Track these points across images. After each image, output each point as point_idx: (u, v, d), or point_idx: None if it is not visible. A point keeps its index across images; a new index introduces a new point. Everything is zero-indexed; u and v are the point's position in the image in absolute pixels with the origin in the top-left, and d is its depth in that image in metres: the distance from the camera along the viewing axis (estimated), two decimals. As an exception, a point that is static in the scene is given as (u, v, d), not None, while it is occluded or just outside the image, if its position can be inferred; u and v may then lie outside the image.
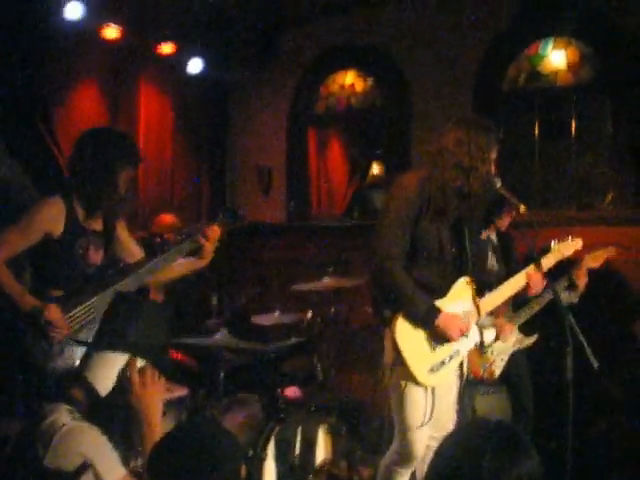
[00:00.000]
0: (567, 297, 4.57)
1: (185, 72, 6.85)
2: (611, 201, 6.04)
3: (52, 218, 3.51)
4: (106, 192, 3.58)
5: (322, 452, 4.48)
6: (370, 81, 7.23)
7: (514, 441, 1.75)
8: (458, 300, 3.61)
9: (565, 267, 4.04)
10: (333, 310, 5.33)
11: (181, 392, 4.37)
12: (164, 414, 2.96)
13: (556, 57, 6.20)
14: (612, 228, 5.64)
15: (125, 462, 2.41)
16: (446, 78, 6.58)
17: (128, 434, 2.46)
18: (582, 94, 6.21)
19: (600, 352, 3.65)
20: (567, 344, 3.39)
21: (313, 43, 7.31)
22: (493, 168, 3.56)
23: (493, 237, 4.94)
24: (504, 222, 4.87)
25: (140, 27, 6.17)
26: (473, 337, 3.67)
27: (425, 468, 3.38)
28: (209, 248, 3.71)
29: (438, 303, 3.53)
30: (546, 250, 3.88)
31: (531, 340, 4.77)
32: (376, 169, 8.31)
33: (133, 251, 3.88)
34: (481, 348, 3.76)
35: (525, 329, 4.76)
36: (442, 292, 3.59)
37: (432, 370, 3.53)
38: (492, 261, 4.82)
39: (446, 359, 3.58)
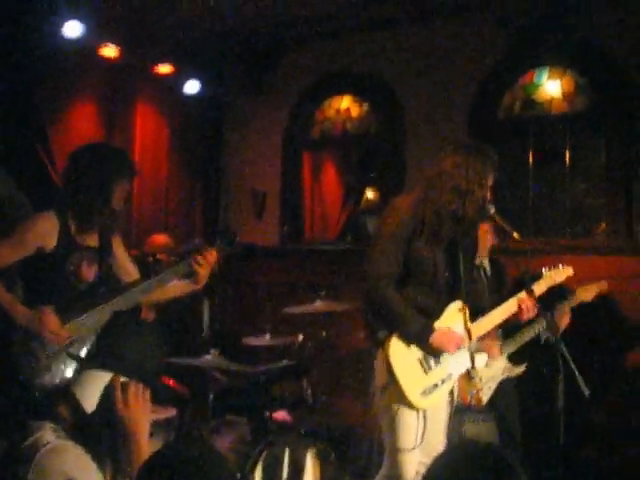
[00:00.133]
0: (547, 336, 4.57)
1: (182, 93, 6.88)
2: (604, 231, 6.05)
3: (45, 232, 3.48)
4: (100, 206, 3.55)
5: (310, 477, 4.44)
6: (366, 106, 7.26)
7: (503, 465, 1.74)
8: (450, 324, 3.60)
9: (549, 303, 4.03)
10: (324, 334, 5.31)
11: (169, 413, 4.34)
12: (152, 434, 2.93)
13: (551, 86, 6.23)
14: (604, 257, 5.65)
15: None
16: (441, 105, 6.61)
17: (115, 454, 2.43)
18: (576, 123, 6.23)
19: (592, 380, 3.63)
20: (558, 372, 3.38)
21: (309, 68, 7.35)
22: (489, 194, 3.58)
23: (485, 263, 4.94)
24: (484, 227, 4.77)
25: (138, 47, 6.21)
26: (464, 362, 3.66)
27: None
28: (204, 272, 3.69)
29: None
30: (538, 277, 3.88)
31: (520, 369, 4.75)
32: (370, 194, 8.32)
33: (128, 268, 3.83)
34: (472, 372, 3.73)
35: (516, 356, 4.75)
36: (435, 315, 3.58)
37: (424, 393, 3.52)
38: (484, 287, 4.82)
39: (438, 382, 3.57)
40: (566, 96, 6.17)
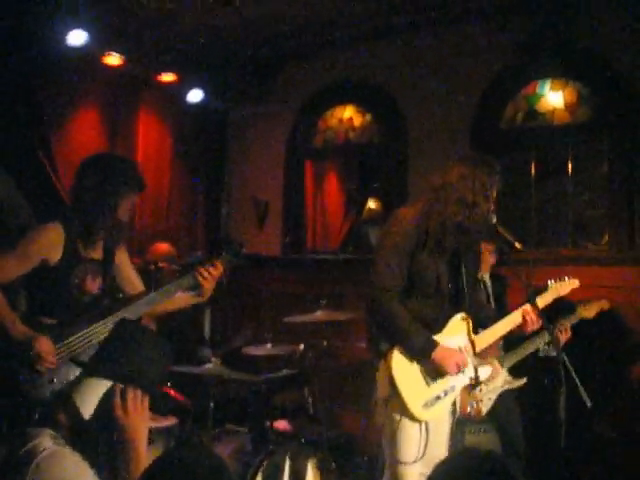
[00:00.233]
0: (546, 350, 4.57)
1: (185, 102, 6.89)
2: (606, 242, 6.04)
3: (50, 245, 3.43)
4: (107, 219, 3.51)
5: (311, 487, 4.42)
6: (368, 116, 7.27)
7: (503, 472, 1.73)
8: (454, 335, 3.60)
9: (550, 319, 4.02)
10: (325, 343, 5.30)
11: (169, 422, 4.33)
12: (151, 442, 2.92)
13: (553, 97, 6.23)
14: (606, 268, 5.64)
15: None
16: (444, 115, 6.61)
17: (113, 461, 2.42)
18: (579, 134, 6.22)
19: (594, 392, 3.62)
20: (560, 383, 3.37)
21: (312, 77, 7.36)
22: (493, 206, 3.58)
23: (486, 277, 4.96)
24: (488, 248, 4.83)
25: (142, 56, 6.22)
26: (468, 373, 3.65)
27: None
28: (210, 285, 3.67)
29: (434, 338, 3.52)
30: (543, 289, 3.87)
31: (520, 382, 4.74)
32: (372, 204, 8.32)
33: (132, 280, 3.80)
34: (476, 384, 3.72)
35: (518, 367, 4.74)
36: (438, 327, 3.58)
37: (426, 405, 3.50)
38: (487, 299, 4.82)
39: (441, 394, 3.56)
40: (568, 107, 6.17)
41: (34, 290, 3.49)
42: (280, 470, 4.29)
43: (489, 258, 4.86)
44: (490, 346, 3.87)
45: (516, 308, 3.75)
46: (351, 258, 7.15)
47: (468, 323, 3.64)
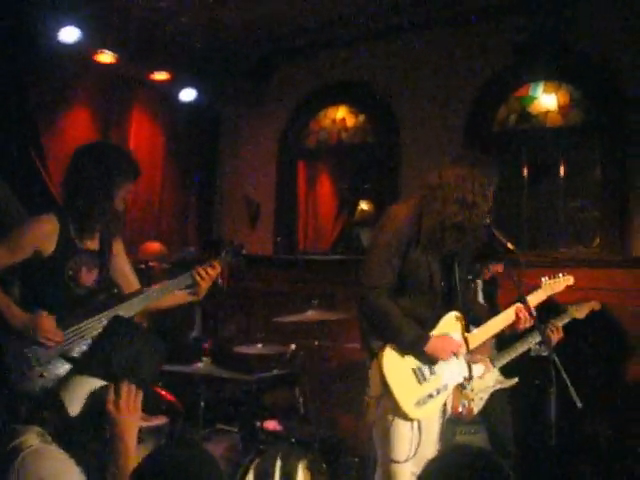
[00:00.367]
0: (537, 350, 4.58)
1: (178, 101, 6.87)
2: (598, 245, 6.05)
3: (44, 236, 3.38)
4: (103, 208, 3.45)
5: (301, 488, 4.41)
6: (361, 117, 7.27)
7: (496, 469, 1.73)
8: (446, 333, 3.59)
9: (541, 319, 4.03)
10: (317, 343, 5.28)
11: (159, 421, 4.31)
12: (141, 441, 2.90)
13: (546, 99, 6.24)
14: (598, 270, 5.65)
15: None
16: (437, 117, 6.62)
17: (101, 458, 2.40)
18: (571, 137, 6.24)
19: (588, 393, 3.62)
20: (551, 383, 3.37)
21: (306, 77, 7.36)
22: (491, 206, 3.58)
23: (479, 280, 4.97)
24: (497, 268, 4.91)
25: (135, 54, 6.19)
26: (460, 372, 3.64)
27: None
28: (206, 285, 3.65)
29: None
30: (536, 287, 3.87)
31: (512, 382, 4.74)
32: (364, 206, 8.31)
33: (127, 273, 3.75)
34: (467, 383, 3.72)
35: (509, 367, 4.74)
36: (430, 325, 3.57)
37: (418, 403, 3.49)
38: (479, 297, 4.82)
39: (433, 393, 3.55)
40: (561, 109, 6.18)
41: (28, 281, 3.43)
42: (271, 471, 4.28)
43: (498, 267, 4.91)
44: (482, 345, 3.87)
45: (507, 307, 3.75)
46: (343, 259, 7.14)
47: (461, 321, 3.63)
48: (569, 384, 3.47)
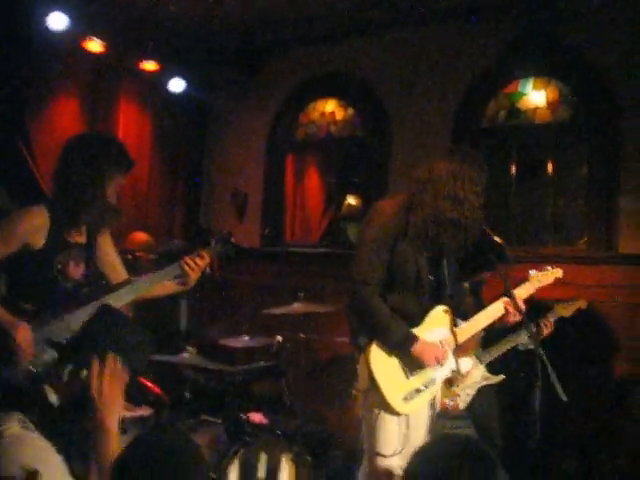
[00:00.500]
0: (526, 343, 4.59)
1: (166, 91, 6.83)
2: (585, 242, 6.07)
3: (34, 229, 3.28)
4: (94, 201, 3.37)
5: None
6: (350, 110, 7.26)
7: (486, 457, 1.72)
8: (435, 328, 3.58)
9: (535, 314, 4.03)
10: (303, 336, 5.27)
11: (143, 412, 4.29)
12: (125, 432, 2.88)
13: (536, 96, 6.25)
14: (585, 267, 5.66)
15: (82, 477, 2.34)
16: (426, 111, 6.61)
17: (84, 445, 2.38)
18: (560, 133, 6.26)
19: (573, 389, 3.62)
20: (536, 377, 3.37)
21: (295, 70, 7.34)
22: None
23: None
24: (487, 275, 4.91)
25: (123, 42, 6.15)
26: (449, 365, 3.63)
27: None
28: (195, 275, 3.61)
29: (415, 330, 3.51)
30: (524, 280, 3.87)
31: (498, 379, 4.74)
32: (352, 201, 8.31)
33: (116, 265, 3.67)
34: (455, 377, 3.72)
35: (495, 361, 4.74)
36: (418, 319, 3.56)
37: (406, 398, 3.49)
38: (467, 292, 4.82)
39: (421, 387, 3.54)
40: (550, 106, 6.19)
41: (15, 274, 3.33)
42: (255, 463, 4.27)
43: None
44: (469, 342, 3.87)
45: (493, 302, 3.74)
46: (329, 252, 7.13)
47: (450, 315, 3.62)
48: (555, 379, 3.48)
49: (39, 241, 3.30)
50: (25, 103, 5.79)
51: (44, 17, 5.33)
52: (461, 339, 3.64)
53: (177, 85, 6.83)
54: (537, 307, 4.28)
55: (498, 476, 1.71)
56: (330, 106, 7.35)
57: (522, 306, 3.63)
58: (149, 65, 6.50)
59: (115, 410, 2.35)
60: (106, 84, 6.51)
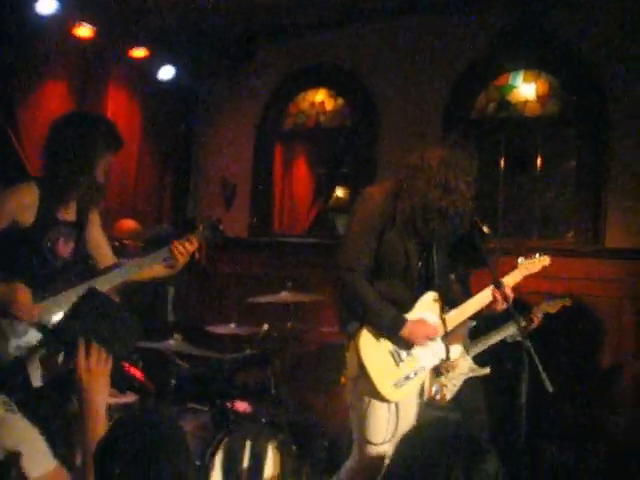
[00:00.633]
0: (514, 334, 4.60)
1: (156, 78, 6.79)
2: (573, 236, 6.09)
3: (23, 206, 3.27)
4: (83, 178, 3.36)
5: (270, 468, 4.39)
6: (340, 100, 7.24)
7: (477, 442, 1.73)
8: (424, 315, 3.58)
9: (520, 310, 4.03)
10: (290, 325, 5.27)
11: (128, 398, 4.28)
12: (110, 419, 2.87)
13: (526, 89, 6.25)
14: (572, 260, 5.68)
15: (68, 459, 2.33)
16: (416, 102, 6.61)
17: (67, 427, 2.38)
18: (549, 127, 6.26)
19: (560, 380, 3.63)
20: (523, 367, 3.37)
21: (285, 60, 7.32)
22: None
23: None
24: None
25: (113, 28, 6.11)
26: (438, 353, 3.63)
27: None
28: (183, 259, 3.60)
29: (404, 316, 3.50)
30: (513, 268, 3.87)
31: (485, 371, 4.75)
32: (340, 192, 8.30)
33: (103, 246, 3.68)
34: (444, 365, 3.71)
35: (483, 351, 4.76)
36: (407, 306, 3.55)
37: (396, 385, 3.48)
38: (454, 282, 4.82)
39: (411, 374, 3.53)
40: (540, 99, 6.19)
41: (4, 252, 3.30)
42: (240, 451, 4.27)
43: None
44: (457, 334, 3.87)
45: (480, 291, 3.74)
46: (318, 242, 7.13)
47: (439, 302, 3.61)
48: (541, 370, 3.48)
49: (28, 218, 3.29)
50: (13, 87, 5.75)
51: (33, 2, 5.29)
52: (450, 326, 3.63)
53: (167, 72, 6.80)
54: (522, 305, 4.28)
55: (490, 462, 1.70)
56: (320, 96, 7.34)
57: (510, 294, 3.62)
58: (139, 52, 6.46)
59: (102, 389, 2.34)
60: (95, 70, 6.46)
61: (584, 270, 5.68)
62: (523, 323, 4.44)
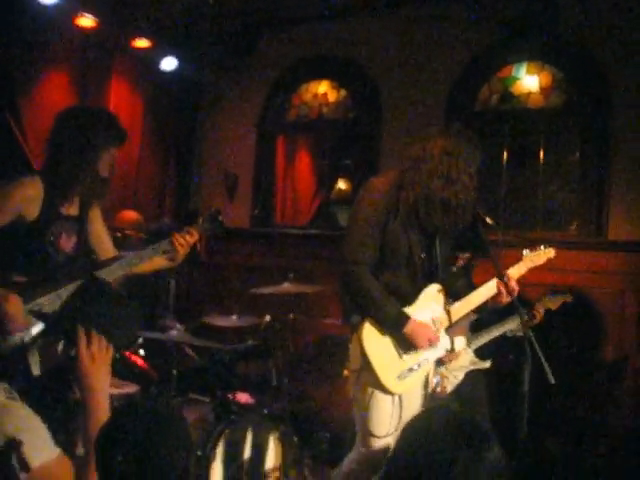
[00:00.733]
0: (515, 329, 4.59)
1: (158, 69, 6.77)
2: (575, 228, 6.08)
3: (28, 200, 3.25)
4: (87, 173, 3.36)
5: (272, 459, 4.39)
6: (343, 92, 7.23)
7: (481, 431, 1.72)
8: (428, 306, 3.56)
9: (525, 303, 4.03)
10: (292, 316, 5.27)
11: (130, 389, 4.28)
12: (111, 409, 2.86)
13: (529, 80, 6.24)
14: (575, 252, 5.66)
15: (69, 448, 2.33)
16: (419, 94, 6.59)
17: (69, 415, 2.38)
18: (552, 118, 6.25)
19: (562, 372, 3.63)
20: (525, 359, 3.36)
21: (289, 51, 7.30)
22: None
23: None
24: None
25: (116, 19, 6.09)
26: (443, 344, 3.61)
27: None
28: (184, 251, 3.60)
29: (408, 309, 3.48)
30: (518, 260, 3.86)
31: (486, 365, 4.74)
32: (342, 185, 8.29)
33: (104, 241, 3.68)
34: (447, 356, 3.70)
35: (485, 347, 4.75)
36: (411, 298, 3.53)
37: (400, 377, 3.46)
38: (456, 274, 4.81)
39: (414, 366, 3.51)
40: (543, 91, 6.18)
41: (7, 246, 3.29)
42: (242, 442, 4.27)
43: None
44: (459, 327, 3.85)
45: (483, 284, 3.72)
46: (320, 233, 7.12)
47: (443, 294, 3.60)
48: (544, 361, 3.47)
49: (33, 212, 3.28)
50: (15, 78, 5.73)
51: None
52: (454, 317, 3.62)
53: (169, 63, 6.77)
54: (524, 300, 4.27)
55: (494, 450, 1.70)
56: (323, 87, 7.32)
57: (515, 287, 3.59)
58: (141, 42, 6.44)
59: (104, 375, 2.34)
60: (97, 61, 6.44)
61: (587, 262, 5.67)
62: (525, 318, 4.43)
